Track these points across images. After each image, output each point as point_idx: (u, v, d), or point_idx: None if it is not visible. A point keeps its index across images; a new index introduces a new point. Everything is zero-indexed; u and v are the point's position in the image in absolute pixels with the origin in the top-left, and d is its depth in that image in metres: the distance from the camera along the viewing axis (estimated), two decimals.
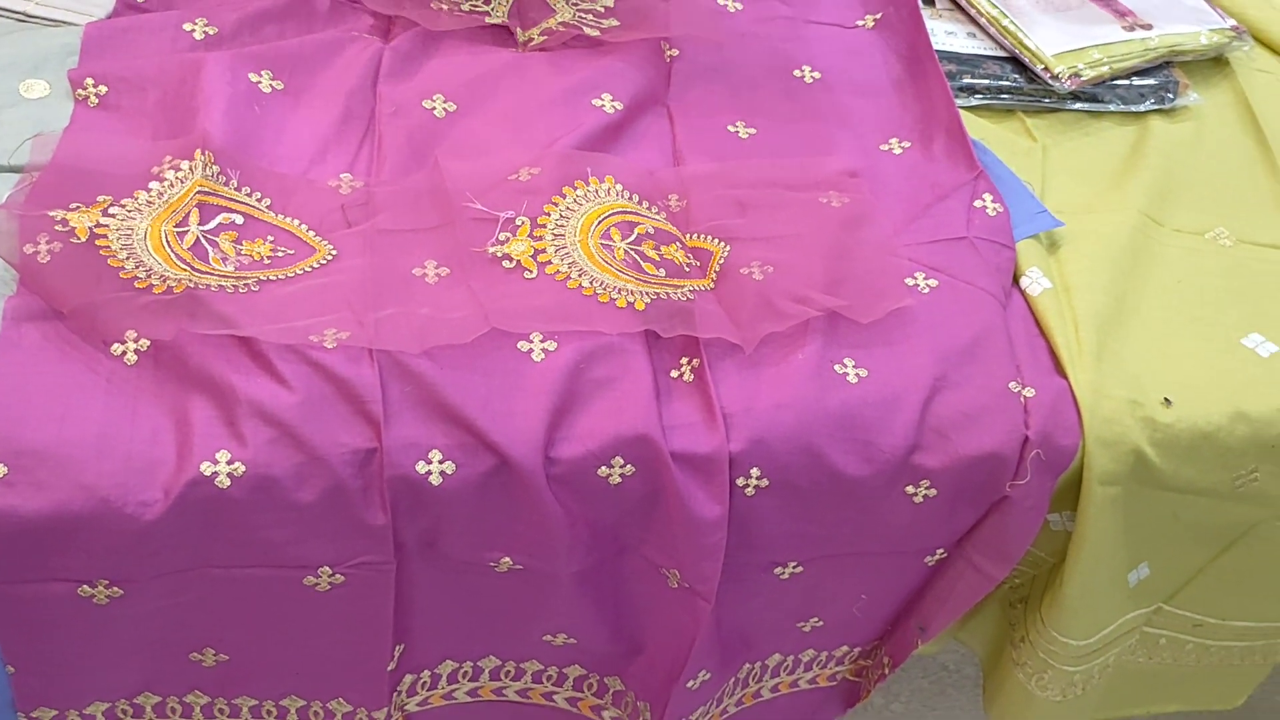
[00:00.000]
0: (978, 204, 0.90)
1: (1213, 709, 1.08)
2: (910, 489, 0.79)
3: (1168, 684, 1.04)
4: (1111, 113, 1.07)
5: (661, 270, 0.80)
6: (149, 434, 0.68)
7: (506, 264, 0.78)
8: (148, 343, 0.71)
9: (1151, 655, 1.00)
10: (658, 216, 0.84)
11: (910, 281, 0.84)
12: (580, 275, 0.78)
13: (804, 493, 0.77)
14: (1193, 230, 0.97)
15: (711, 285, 0.81)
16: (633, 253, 0.81)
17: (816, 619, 0.88)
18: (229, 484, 0.67)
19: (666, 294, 0.78)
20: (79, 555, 0.68)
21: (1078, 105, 1.06)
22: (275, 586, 0.73)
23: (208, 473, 0.67)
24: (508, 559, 0.76)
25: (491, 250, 0.78)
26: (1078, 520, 0.84)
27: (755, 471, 0.75)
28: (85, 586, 0.69)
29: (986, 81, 1.05)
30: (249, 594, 0.73)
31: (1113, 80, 1.07)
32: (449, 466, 0.71)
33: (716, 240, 0.84)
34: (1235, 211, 0.99)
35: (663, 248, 0.82)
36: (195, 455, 0.68)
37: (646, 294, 0.77)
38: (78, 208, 0.76)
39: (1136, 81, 1.08)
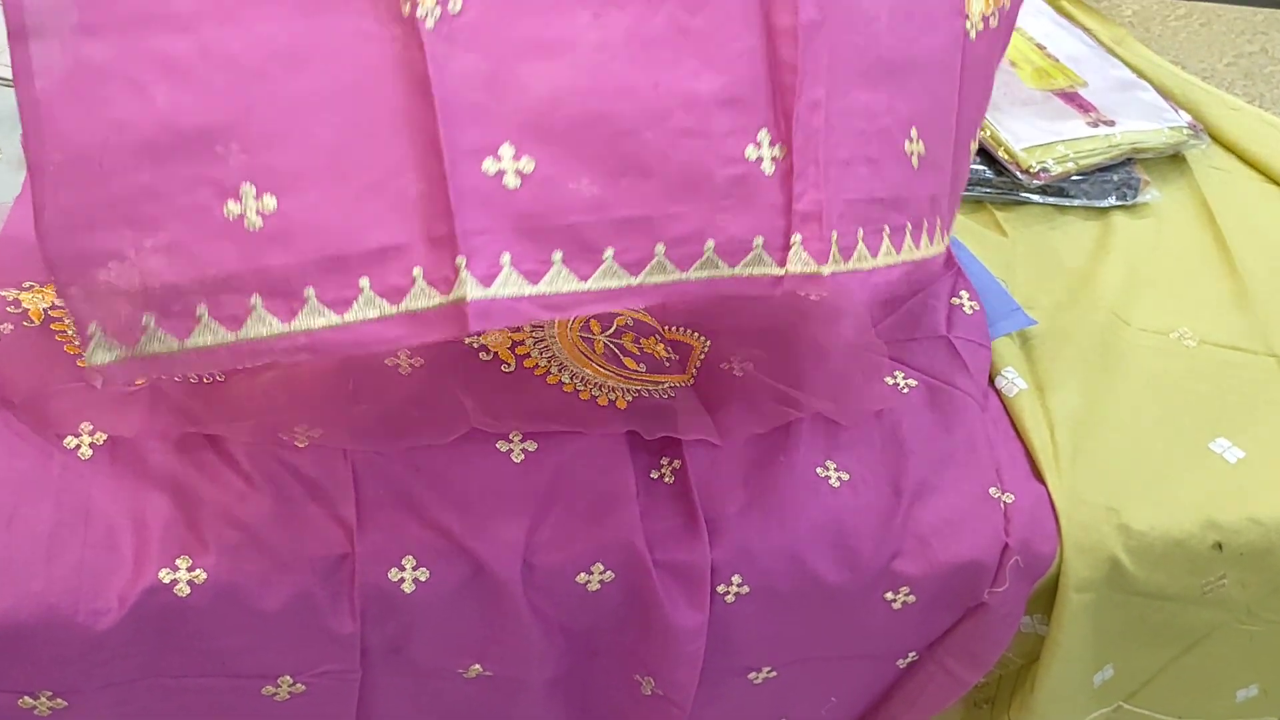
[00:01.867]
0: (955, 301, 0.90)
1: None
2: (889, 595, 0.78)
3: None
4: (1076, 207, 1.08)
5: (642, 365, 0.78)
6: (103, 536, 0.64)
7: (483, 355, 0.76)
8: (104, 436, 0.67)
9: None
10: (637, 309, 0.82)
11: (890, 380, 0.83)
12: (560, 370, 0.76)
13: (784, 599, 0.76)
14: (1157, 330, 0.98)
15: (691, 381, 0.79)
16: (612, 345, 0.79)
17: None
18: (189, 592, 0.63)
19: (648, 391, 0.76)
20: (23, 666, 0.63)
21: (1045, 199, 1.07)
22: (231, 697, 0.69)
23: (166, 580, 0.63)
24: (478, 666, 0.73)
25: (468, 341, 0.76)
26: (1052, 626, 0.83)
27: (736, 579, 0.74)
28: (27, 698, 0.64)
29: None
30: (202, 704, 0.69)
31: (1078, 175, 1.08)
32: (422, 574, 0.67)
33: (696, 335, 0.82)
34: (1196, 311, 1.01)
35: (642, 340, 0.80)
36: (153, 561, 0.63)
37: (628, 391, 0.75)
38: (31, 286, 0.71)
39: (1100, 177, 1.09)
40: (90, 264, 0.53)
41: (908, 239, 0.64)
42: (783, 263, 0.59)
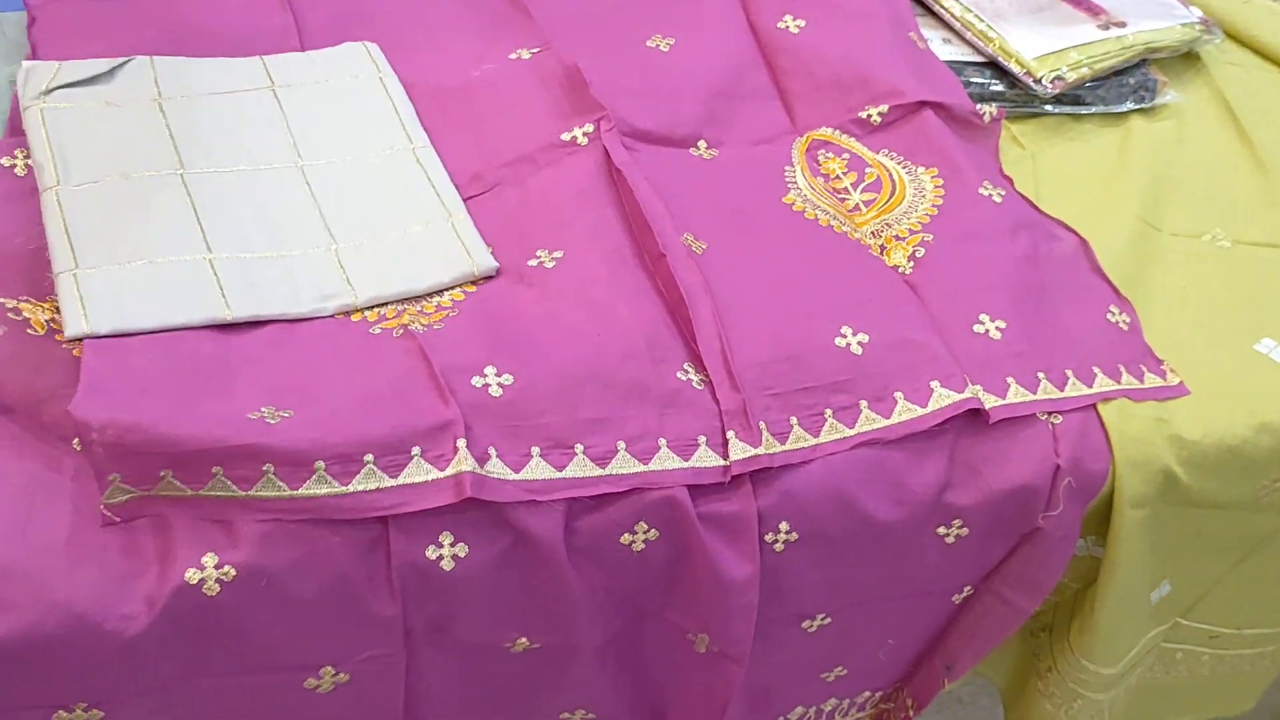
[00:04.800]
0: None
1: (1223, 716, 1.06)
2: (942, 529, 0.75)
3: (1181, 696, 1.02)
4: (1093, 114, 1.04)
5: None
6: (124, 537, 0.61)
7: None
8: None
9: (1168, 670, 0.98)
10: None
11: None
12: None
13: (834, 543, 0.73)
14: (1189, 233, 0.95)
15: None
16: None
17: (841, 668, 0.84)
18: (218, 590, 0.61)
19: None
20: (55, 679, 0.60)
21: (1061, 109, 1.03)
22: (273, 694, 0.66)
23: (194, 580, 0.60)
24: (524, 639, 0.70)
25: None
26: (1109, 546, 0.81)
27: (784, 526, 0.71)
28: (62, 712, 0.62)
29: (971, 90, 1.01)
30: (244, 705, 0.66)
31: (1093, 81, 1.04)
32: (461, 549, 0.65)
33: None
34: (1228, 212, 0.97)
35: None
36: (179, 560, 0.60)
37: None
38: (27, 300, 0.69)
39: (1116, 81, 1.05)
40: (121, 430, 0.60)
41: (866, 413, 0.73)
42: (725, 455, 0.69)
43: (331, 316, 0.73)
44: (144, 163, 0.77)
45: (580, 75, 0.88)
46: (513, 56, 0.92)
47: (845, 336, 0.76)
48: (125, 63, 0.84)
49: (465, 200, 0.82)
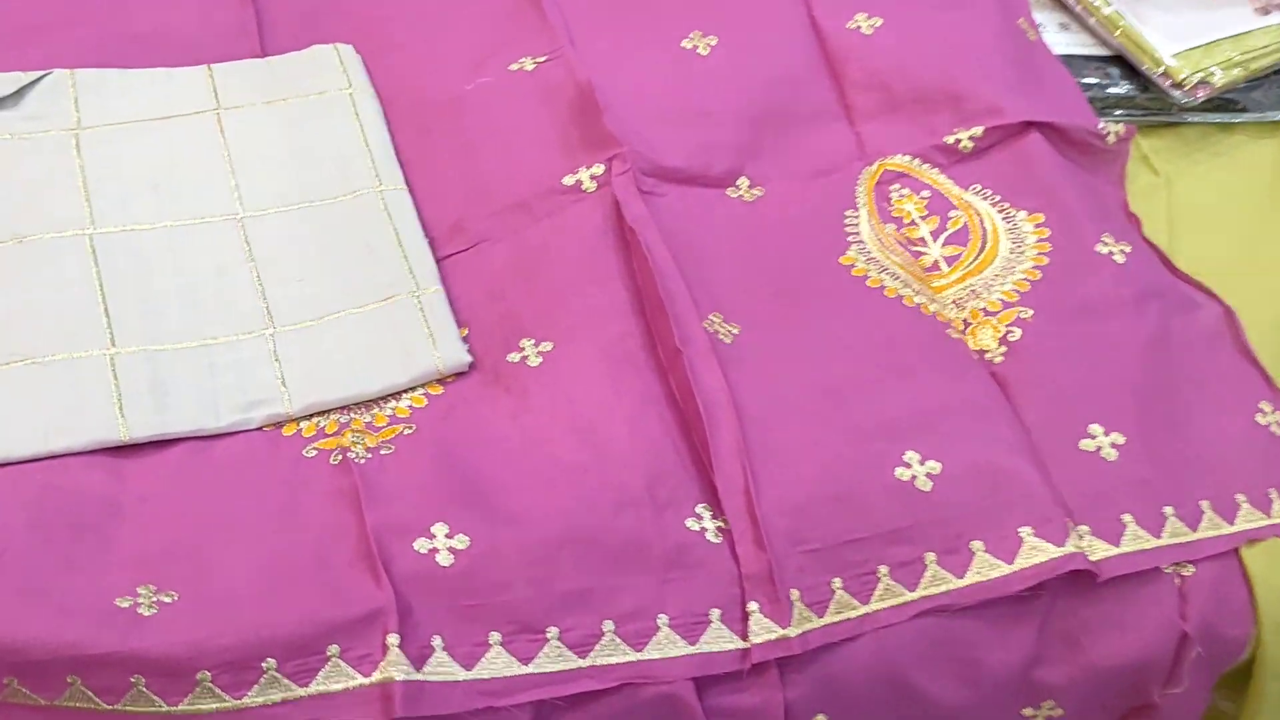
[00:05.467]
0: None
1: None
2: (1029, 711, 0.59)
3: None
4: (1246, 124, 0.83)
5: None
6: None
7: None
8: None
9: None
10: None
11: None
12: None
13: None
14: None
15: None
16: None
17: None
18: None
19: None
20: None
21: (1203, 117, 0.83)
22: None
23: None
24: None
25: None
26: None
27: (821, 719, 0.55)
28: None
29: (1092, 94, 0.81)
30: None
31: (1248, 82, 0.83)
32: None
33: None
34: None
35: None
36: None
37: None
38: None
39: (1277, 81, 0.84)
40: None
41: (934, 570, 0.57)
42: (745, 634, 0.54)
43: (259, 429, 0.58)
44: (45, 220, 0.63)
45: (593, 96, 0.70)
46: (513, 67, 0.75)
47: (910, 466, 0.59)
48: (40, 78, 0.69)
49: (442, 259, 0.66)
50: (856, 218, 0.71)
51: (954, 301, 0.68)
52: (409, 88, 0.74)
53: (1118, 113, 0.81)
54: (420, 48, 0.77)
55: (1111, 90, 0.82)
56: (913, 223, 0.72)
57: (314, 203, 0.67)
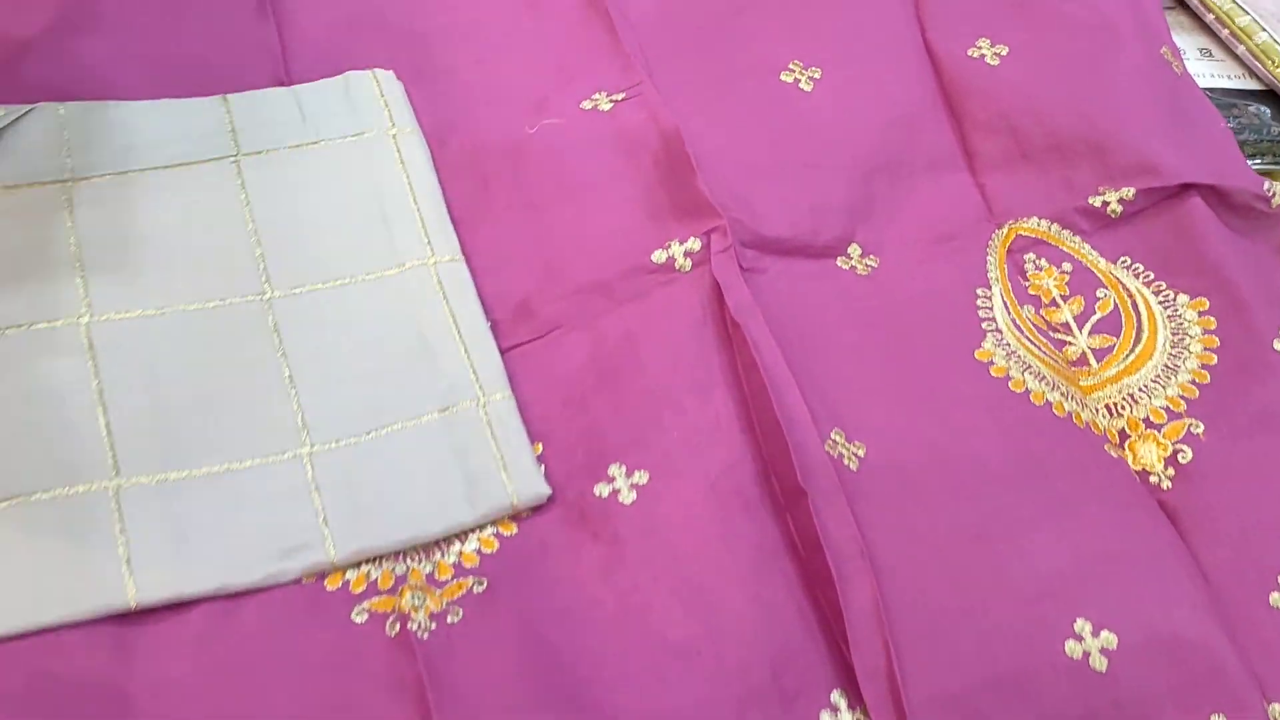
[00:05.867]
0: None
1: None
2: None
3: None
4: None
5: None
6: None
7: None
8: None
9: None
10: None
11: None
12: None
13: None
14: None
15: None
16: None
17: None
18: None
19: None
20: None
21: None
22: None
23: None
24: None
25: None
26: None
27: None
28: None
29: (1243, 140, 0.70)
30: None
31: None
32: None
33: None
34: None
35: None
36: None
37: None
38: None
39: None
40: None
41: None
42: None
43: (297, 582, 0.48)
44: (28, 304, 0.51)
45: (683, 149, 0.59)
46: (586, 105, 0.63)
47: (1082, 638, 0.49)
48: (23, 115, 0.57)
49: (505, 351, 0.55)
50: (990, 298, 0.60)
51: (1107, 407, 0.58)
52: (461, 127, 0.62)
53: (1259, 158, 0.71)
54: (473, 74, 0.65)
55: (1269, 133, 0.71)
56: (1053, 303, 0.62)
57: (354, 278, 0.55)
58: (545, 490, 0.50)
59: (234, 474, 0.49)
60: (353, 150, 0.59)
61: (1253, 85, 0.74)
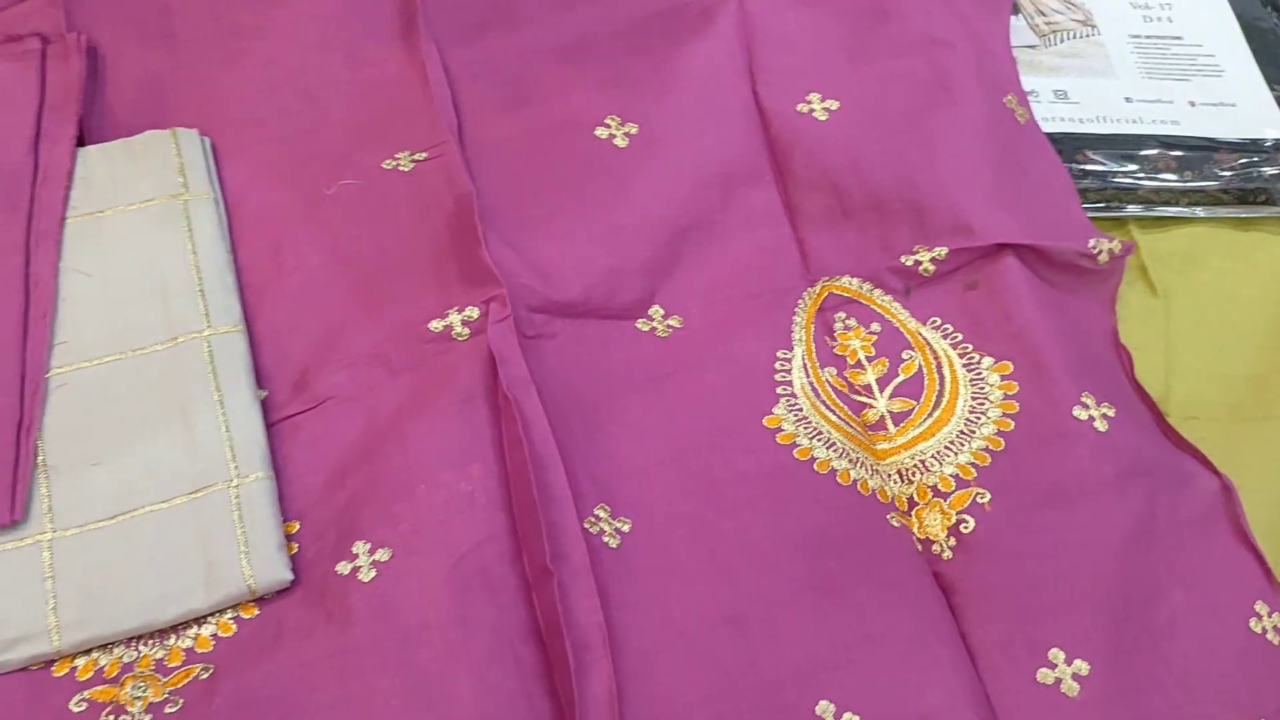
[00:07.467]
0: None
1: None
2: None
3: None
4: (1266, 218, 0.71)
5: None
6: None
7: None
8: None
9: None
10: None
11: None
12: None
13: None
14: None
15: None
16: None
17: None
18: None
19: None
20: None
21: (1215, 211, 0.70)
22: None
23: None
24: None
25: None
26: None
27: None
28: None
29: (1086, 186, 0.69)
30: None
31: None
32: None
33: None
34: None
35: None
36: None
37: None
38: None
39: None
40: None
41: None
42: None
43: (23, 669, 0.47)
44: None
45: (471, 215, 0.58)
46: (388, 164, 0.63)
47: (824, 718, 0.48)
48: None
49: (277, 422, 0.55)
50: (789, 360, 0.59)
51: (899, 472, 0.57)
52: (260, 186, 0.62)
53: (1127, 220, 0.69)
54: (279, 128, 0.64)
55: (1103, 184, 0.70)
56: (858, 364, 0.60)
57: (128, 354, 0.55)
58: (287, 576, 0.50)
59: None
60: (140, 218, 0.59)
61: (1105, 130, 0.72)
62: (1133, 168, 0.70)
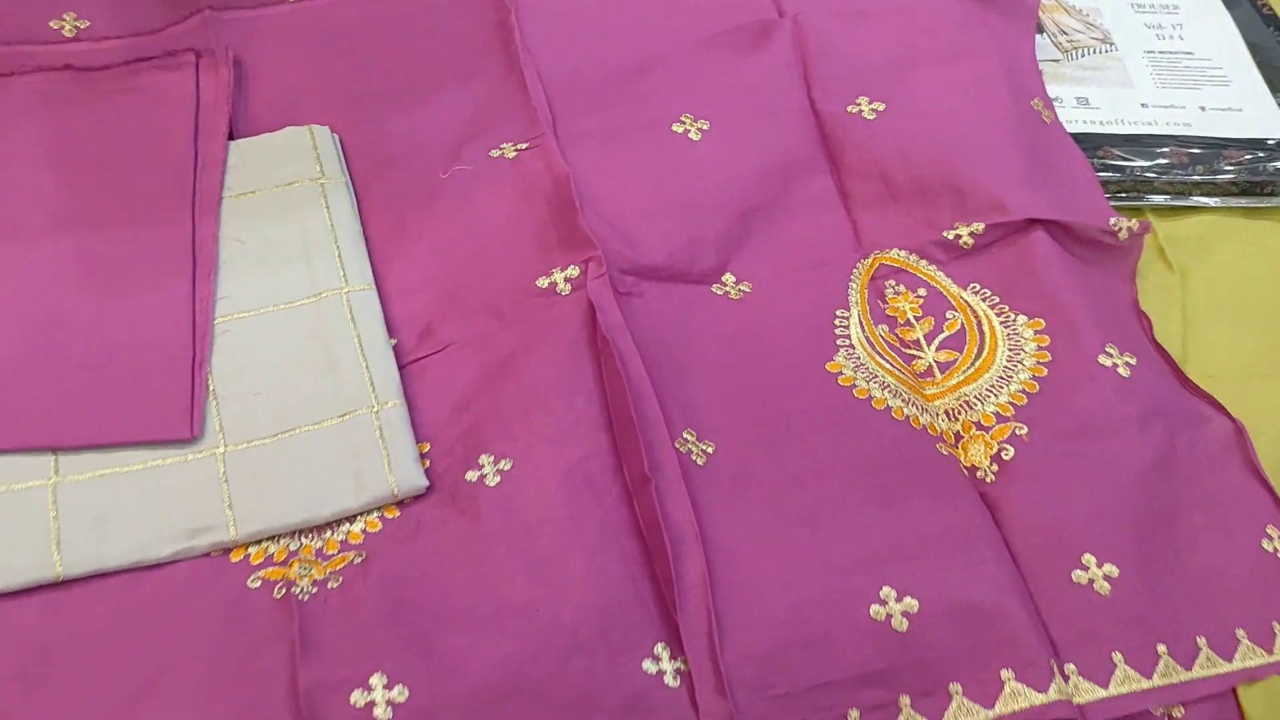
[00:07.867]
0: None
1: None
2: None
3: None
4: (1275, 208, 0.79)
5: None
6: None
7: None
8: None
9: None
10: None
11: None
12: None
13: None
14: None
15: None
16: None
17: None
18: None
19: None
20: None
21: (1227, 201, 0.78)
22: None
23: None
24: None
25: None
26: None
27: None
28: None
29: (1107, 178, 0.77)
30: None
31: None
32: None
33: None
34: None
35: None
36: None
37: None
38: None
39: None
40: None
41: (908, 714, 0.54)
42: None
43: (206, 555, 0.56)
44: None
45: (569, 192, 0.67)
46: (494, 153, 0.72)
47: (885, 603, 0.56)
48: None
49: (407, 365, 0.63)
50: (848, 318, 0.68)
51: (946, 412, 0.64)
52: (386, 173, 0.72)
53: (1144, 204, 0.77)
54: (400, 125, 0.74)
55: (1133, 170, 0.78)
56: (908, 323, 0.69)
57: (280, 307, 0.64)
58: (423, 483, 0.58)
59: (157, 470, 0.58)
60: (283, 198, 0.69)
61: (1124, 130, 0.80)
62: (1150, 162, 0.79)
